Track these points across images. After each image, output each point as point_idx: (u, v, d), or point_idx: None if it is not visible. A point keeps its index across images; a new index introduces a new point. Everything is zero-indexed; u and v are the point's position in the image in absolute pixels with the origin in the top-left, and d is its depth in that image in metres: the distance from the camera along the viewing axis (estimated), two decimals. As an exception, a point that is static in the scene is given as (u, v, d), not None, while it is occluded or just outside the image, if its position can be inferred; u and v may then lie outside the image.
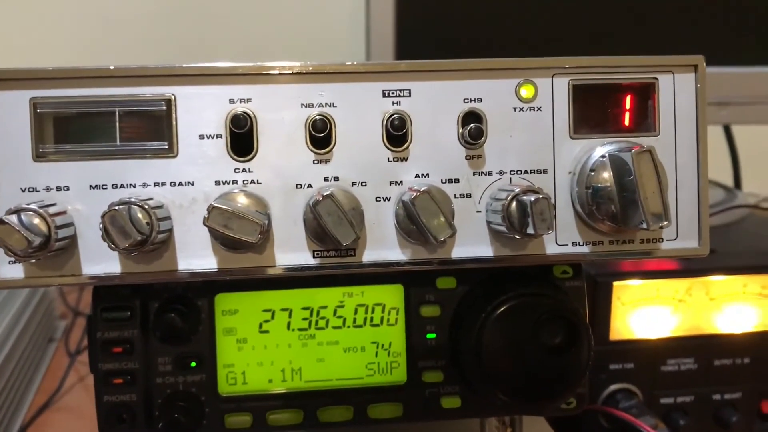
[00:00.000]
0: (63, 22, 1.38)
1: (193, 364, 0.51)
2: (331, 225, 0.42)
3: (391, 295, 0.53)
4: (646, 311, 0.75)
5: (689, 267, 0.77)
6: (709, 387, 0.78)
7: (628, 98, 0.47)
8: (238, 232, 0.41)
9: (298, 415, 0.53)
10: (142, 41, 1.40)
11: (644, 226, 0.42)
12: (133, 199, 0.41)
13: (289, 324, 0.53)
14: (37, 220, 0.41)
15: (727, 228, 0.91)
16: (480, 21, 0.93)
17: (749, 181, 1.11)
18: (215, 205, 0.41)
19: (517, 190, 0.43)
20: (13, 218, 0.40)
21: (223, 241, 0.43)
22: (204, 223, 0.41)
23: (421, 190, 0.43)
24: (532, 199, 0.42)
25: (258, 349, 0.53)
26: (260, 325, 0.53)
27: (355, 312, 0.53)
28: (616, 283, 0.74)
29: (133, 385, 0.51)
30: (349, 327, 0.53)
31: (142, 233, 0.40)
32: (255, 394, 0.52)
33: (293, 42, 1.43)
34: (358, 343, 0.53)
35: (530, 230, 0.42)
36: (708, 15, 0.92)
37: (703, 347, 0.77)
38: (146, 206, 0.41)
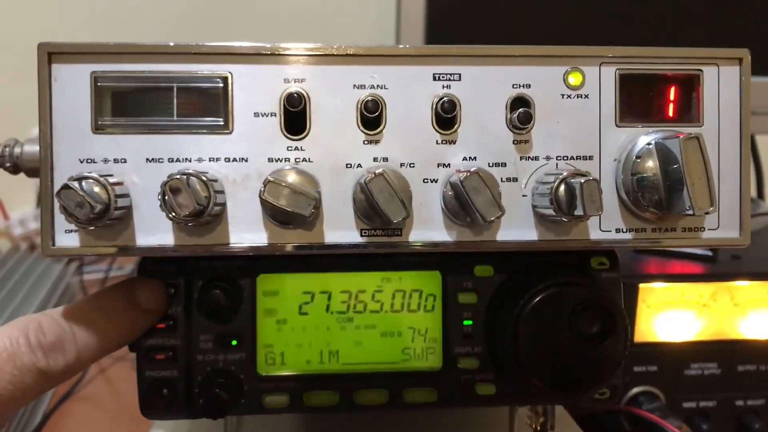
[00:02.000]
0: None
1: (234, 342, 0.52)
2: (383, 202, 0.43)
3: (429, 282, 0.54)
4: (671, 314, 0.76)
5: (714, 271, 0.78)
6: (733, 393, 0.78)
7: (673, 89, 0.48)
8: (293, 206, 0.42)
9: (334, 397, 0.53)
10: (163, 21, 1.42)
11: (690, 212, 0.43)
12: (191, 171, 0.42)
13: (328, 307, 0.54)
14: (97, 188, 0.41)
15: (753, 235, 0.91)
16: (512, 7, 0.94)
17: None
18: (271, 179, 0.42)
19: (565, 173, 0.44)
20: (76, 184, 0.41)
21: (276, 216, 0.44)
22: (260, 196, 0.42)
23: (471, 170, 0.44)
24: (582, 181, 0.43)
25: (297, 331, 0.53)
26: (300, 307, 0.53)
27: (393, 297, 0.54)
28: (641, 285, 0.75)
29: (175, 361, 0.51)
30: (386, 312, 0.54)
31: (200, 204, 0.41)
32: (293, 374, 0.53)
33: (320, 24, 1.46)
34: (395, 327, 0.54)
35: (579, 212, 0.43)
36: (732, 25, 0.93)
37: (726, 352, 0.77)
38: (204, 178, 0.42)
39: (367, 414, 0.65)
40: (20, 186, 1.24)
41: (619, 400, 0.75)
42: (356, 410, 0.54)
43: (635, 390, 0.77)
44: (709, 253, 0.80)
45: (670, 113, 0.48)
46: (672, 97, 0.48)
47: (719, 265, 0.79)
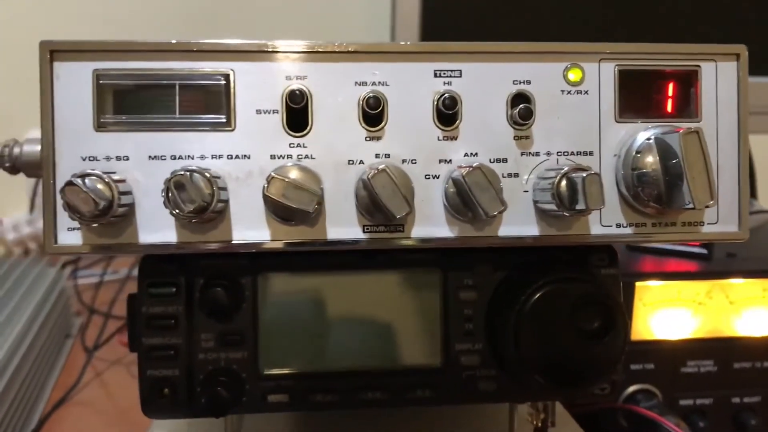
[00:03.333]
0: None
1: (236, 341, 0.52)
2: (386, 198, 0.43)
3: (430, 279, 0.54)
4: (667, 312, 0.76)
5: (709, 269, 0.78)
6: (729, 390, 0.79)
7: (672, 84, 0.49)
8: (296, 202, 0.42)
9: (335, 395, 0.53)
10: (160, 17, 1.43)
11: (690, 205, 0.43)
12: (194, 168, 0.42)
13: (329, 306, 0.54)
14: (101, 185, 0.42)
15: (747, 233, 0.92)
16: (506, 3, 0.95)
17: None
18: (275, 175, 0.42)
19: (567, 168, 0.44)
20: (80, 181, 0.41)
21: (279, 212, 0.44)
22: (264, 193, 0.42)
23: (474, 166, 0.44)
24: (584, 175, 0.43)
25: (298, 330, 0.53)
26: (301, 306, 0.53)
27: (394, 295, 0.54)
28: (638, 284, 0.75)
29: (176, 360, 0.51)
30: (388, 310, 0.54)
31: (204, 200, 0.41)
32: (294, 373, 0.53)
33: (315, 22, 1.46)
34: (396, 325, 0.54)
35: (581, 206, 0.43)
36: (725, 25, 0.94)
37: (722, 350, 0.78)
38: (207, 175, 0.42)
39: (368, 411, 0.65)
40: (13, 191, 1.23)
41: (618, 397, 0.75)
42: (357, 408, 0.54)
43: (632, 388, 0.77)
44: (705, 251, 0.80)
45: (669, 109, 0.49)
46: (671, 92, 0.49)
47: (714, 263, 0.79)
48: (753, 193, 1.01)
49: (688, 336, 0.77)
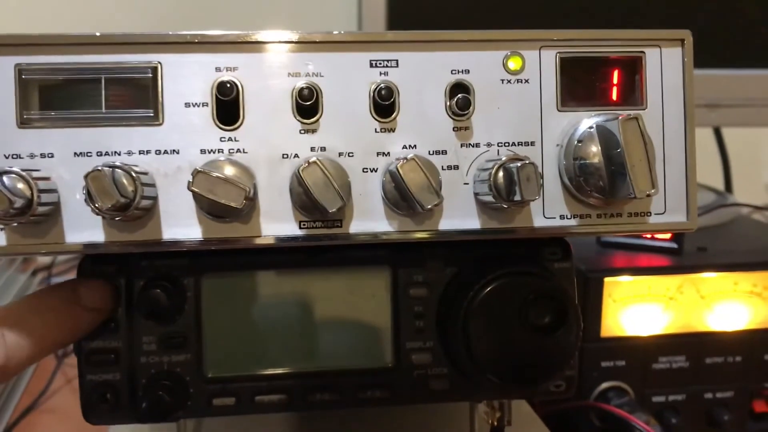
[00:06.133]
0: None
1: (179, 343, 0.51)
2: (317, 192, 0.42)
3: (379, 277, 0.53)
4: (638, 308, 0.75)
5: (680, 264, 0.77)
6: (701, 385, 0.78)
7: (616, 71, 0.47)
8: (223, 197, 0.41)
9: (284, 397, 0.52)
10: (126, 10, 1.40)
11: (631, 194, 0.42)
12: (117, 163, 0.41)
13: (275, 306, 0.52)
14: (20, 184, 0.40)
15: (718, 228, 0.91)
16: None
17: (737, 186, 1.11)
18: (200, 169, 0.41)
19: (503, 158, 0.43)
20: (-5, 179, 0.39)
21: (208, 208, 0.42)
22: (188, 188, 0.41)
23: (408, 158, 0.43)
24: (518, 164, 0.42)
25: (244, 331, 0.52)
26: (247, 307, 0.52)
27: (342, 294, 0.53)
28: (607, 279, 0.74)
29: (117, 364, 0.50)
30: (336, 309, 0.53)
31: (125, 197, 0.40)
32: (241, 375, 0.52)
33: (284, 12, 1.45)
34: (345, 325, 0.53)
35: (517, 197, 0.42)
36: (698, 17, 0.93)
37: (694, 345, 0.77)
38: (132, 171, 0.41)
39: (324, 413, 0.64)
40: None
41: (579, 394, 0.74)
42: (307, 410, 0.53)
43: (604, 385, 0.76)
44: (675, 246, 0.79)
45: (614, 96, 0.48)
46: (615, 80, 0.47)
47: (685, 258, 0.79)
48: (728, 187, 1.00)
49: (659, 332, 0.76)
